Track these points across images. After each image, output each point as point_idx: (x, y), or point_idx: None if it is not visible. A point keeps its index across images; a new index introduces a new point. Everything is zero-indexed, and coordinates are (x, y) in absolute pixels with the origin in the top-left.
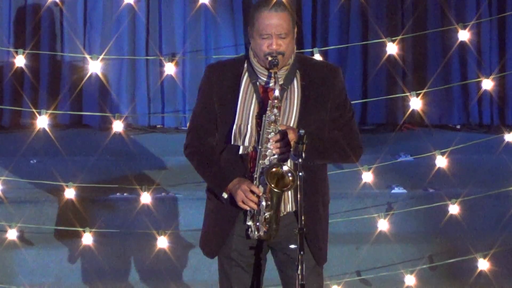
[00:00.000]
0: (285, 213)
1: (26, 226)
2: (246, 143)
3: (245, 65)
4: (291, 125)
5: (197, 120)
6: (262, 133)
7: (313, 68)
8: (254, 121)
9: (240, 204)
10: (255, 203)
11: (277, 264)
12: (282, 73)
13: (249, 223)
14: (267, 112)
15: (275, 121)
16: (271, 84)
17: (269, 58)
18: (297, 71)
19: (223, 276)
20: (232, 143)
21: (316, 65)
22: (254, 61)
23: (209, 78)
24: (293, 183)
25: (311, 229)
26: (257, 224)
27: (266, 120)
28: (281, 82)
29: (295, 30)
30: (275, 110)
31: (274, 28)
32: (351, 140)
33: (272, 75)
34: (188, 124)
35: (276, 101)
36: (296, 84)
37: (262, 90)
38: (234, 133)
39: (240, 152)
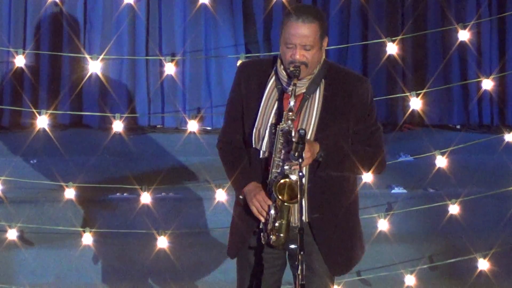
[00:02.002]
0: (296, 223)
1: (26, 226)
2: (264, 148)
3: (274, 68)
4: (308, 134)
5: (227, 117)
6: (276, 143)
7: (339, 78)
8: (269, 129)
9: (255, 213)
10: (265, 214)
11: (290, 267)
12: (305, 82)
13: (261, 227)
14: (282, 123)
15: (288, 132)
16: (289, 91)
17: (291, 68)
18: (323, 80)
19: (239, 274)
20: (252, 146)
21: (343, 75)
22: (280, 67)
23: (239, 76)
24: (302, 195)
25: (325, 240)
26: (267, 231)
27: (279, 131)
28: (303, 91)
29: (325, 40)
30: (289, 122)
31: (299, 39)
32: (371, 155)
33: (291, 85)
34: (223, 119)
35: (290, 113)
36: (318, 93)
37: (284, 96)
38: (254, 136)
39: (261, 156)
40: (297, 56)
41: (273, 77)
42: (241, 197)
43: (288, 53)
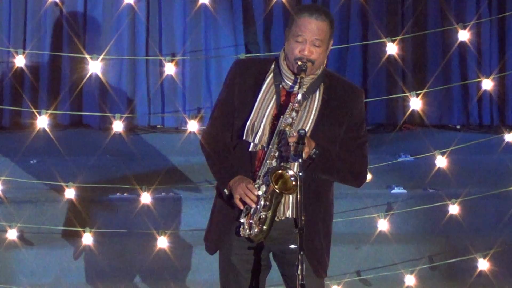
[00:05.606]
0: (283, 217)
1: (26, 226)
2: (256, 141)
3: (272, 66)
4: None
5: (216, 112)
6: (276, 134)
7: (337, 85)
8: (268, 121)
9: (237, 201)
10: (253, 201)
11: (278, 267)
12: (307, 81)
13: (242, 220)
14: (286, 114)
15: (291, 124)
16: (294, 89)
17: (298, 63)
18: (322, 83)
19: (223, 279)
20: (243, 138)
21: (341, 83)
22: (283, 63)
23: (234, 73)
24: (295, 188)
25: (308, 243)
26: (251, 222)
27: (283, 122)
28: (304, 90)
29: (331, 42)
30: (294, 114)
31: (310, 34)
32: (358, 165)
33: (298, 79)
34: (210, 114)
35: (297, 104)
36: (317, 95)
37: (284, 93)
38: (247, 128)
39: (250, 148)
40: (306, 52)
41: (271, 74)
42: (226, 191)
43: (297, 48)
